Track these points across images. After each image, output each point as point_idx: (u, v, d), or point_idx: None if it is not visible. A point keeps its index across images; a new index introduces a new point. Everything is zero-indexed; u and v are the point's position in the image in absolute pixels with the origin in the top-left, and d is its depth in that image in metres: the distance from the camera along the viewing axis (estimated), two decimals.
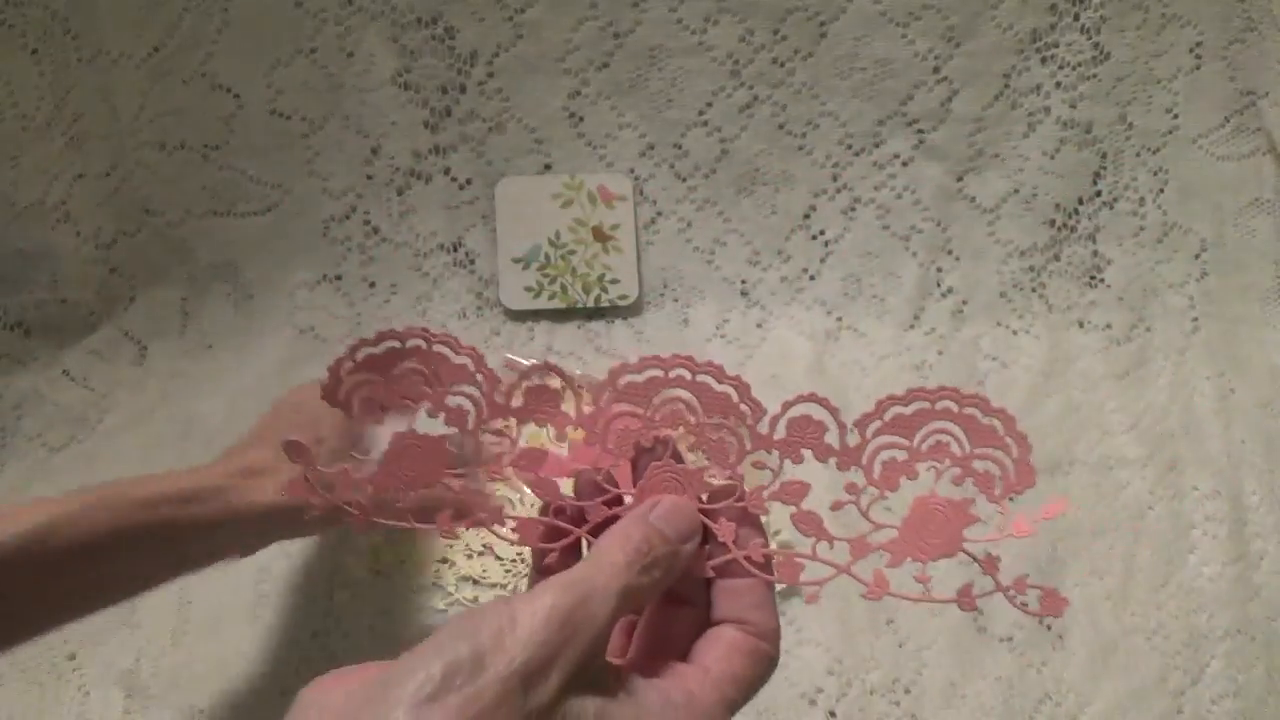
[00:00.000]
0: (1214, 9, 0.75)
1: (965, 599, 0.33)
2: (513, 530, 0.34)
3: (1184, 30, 0.75)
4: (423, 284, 0.78)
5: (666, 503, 0.33)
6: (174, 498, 0.47)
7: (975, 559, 0.33)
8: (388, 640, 0.61)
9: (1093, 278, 0.80)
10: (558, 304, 0.79)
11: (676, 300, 0.80)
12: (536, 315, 0.79)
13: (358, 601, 0.62)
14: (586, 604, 0.28)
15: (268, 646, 0.60)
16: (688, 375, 0.33)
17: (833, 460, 0.33)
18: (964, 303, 0.80)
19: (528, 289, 0.79)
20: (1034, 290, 0.80)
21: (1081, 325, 0.80)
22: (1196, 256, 0.80)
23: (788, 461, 0.33)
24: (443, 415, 0.34)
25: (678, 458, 0.34)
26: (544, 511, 0.34)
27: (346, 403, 0.33)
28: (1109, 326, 0.79)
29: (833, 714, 0.59)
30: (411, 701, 0.25)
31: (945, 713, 0.59)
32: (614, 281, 0.79)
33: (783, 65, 0.75)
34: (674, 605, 0.33)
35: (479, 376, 0.33)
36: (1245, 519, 0.69)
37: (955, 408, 0.32)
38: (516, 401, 0.34)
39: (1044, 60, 0.75)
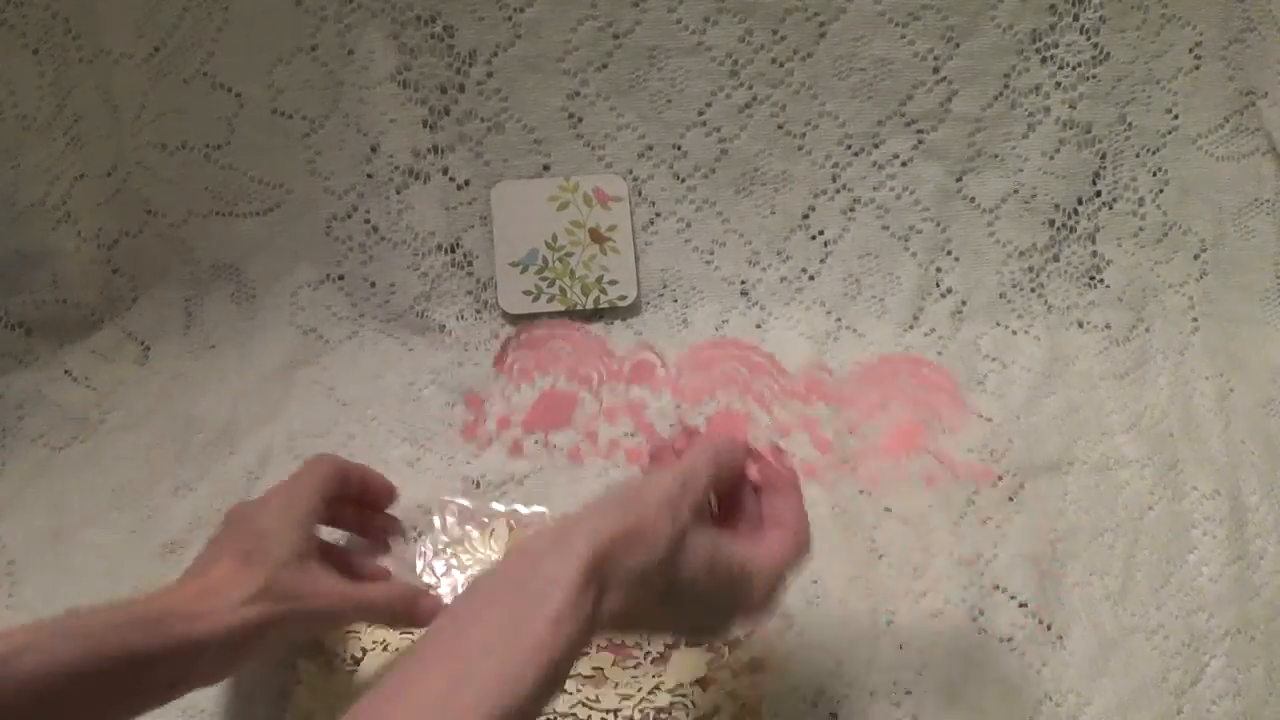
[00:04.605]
0: (1214, 9, 0.75)
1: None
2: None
3: (1184, 30, 0.75)
4: (421, 284, 0.78)
5: (727, 433, 0.51)
6: (139, 621, 0.45)
7: (934, 456, 0.52)
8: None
9: (1092, 278, 0.80)
10: (556, 306, 0.79)
11: (676, 300, 0.80)
12: (535, 319, 0.79)
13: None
14: (695, 474, 0.45)
15: None
16: (737, 351, 0.53)
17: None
18: (963, 303, 0.80)
19: (526, 293, 0.79)
20: (1033, 290, 0.80)
21: (1081, 325, 0.80)
22: (1196, 256, 0.80)
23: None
24: (577, 380, 0.54)
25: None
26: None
27: (509, 369, 0.54)
28: (1109, 327, 0.79)
29: (834, 715, 0.59)
30: (598, 518, 0.40)
31: (946, 713, 0.59)
32: (612, 282, 0.79)
33: (782, 65, 0.75)
34: (737, 512, 0.49)
35: (603, 357, 0.53)
36: (1245, 519, 0.69)
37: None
38: (626, 371, 0.54)
39: (1044, 60, 0.75)
